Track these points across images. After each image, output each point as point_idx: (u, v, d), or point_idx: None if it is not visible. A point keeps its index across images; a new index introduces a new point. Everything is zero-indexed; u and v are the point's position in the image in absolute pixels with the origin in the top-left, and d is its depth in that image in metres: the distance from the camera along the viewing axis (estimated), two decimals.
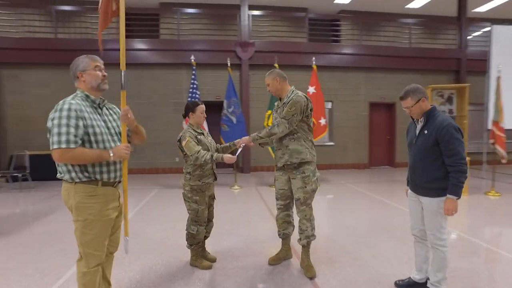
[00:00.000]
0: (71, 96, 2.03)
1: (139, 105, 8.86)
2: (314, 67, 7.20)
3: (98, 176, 2.02)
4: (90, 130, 1.98)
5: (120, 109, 2.28)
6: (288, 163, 2.83)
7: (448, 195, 2.20)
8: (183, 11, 9.83)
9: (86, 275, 2.07)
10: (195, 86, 6.85)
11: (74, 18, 10.57)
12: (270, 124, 6.77)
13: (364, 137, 10.04)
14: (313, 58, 7.29)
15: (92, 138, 1.99)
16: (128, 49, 8.73)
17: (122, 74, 2.38)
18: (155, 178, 8.50)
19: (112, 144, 2.11)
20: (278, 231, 3.09)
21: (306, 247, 2.94)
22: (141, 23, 10.29)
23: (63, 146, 1.86)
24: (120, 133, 2.19)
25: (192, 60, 6.96)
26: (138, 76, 9.05)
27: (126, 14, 8.73)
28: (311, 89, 7.11)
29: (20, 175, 6.90)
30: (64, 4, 9.77)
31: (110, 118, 2.22)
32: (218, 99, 9.07)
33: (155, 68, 9.29)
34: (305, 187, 2.83)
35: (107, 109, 2.25)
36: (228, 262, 3.14)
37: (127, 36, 9.38)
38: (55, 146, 1.86)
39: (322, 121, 7.12)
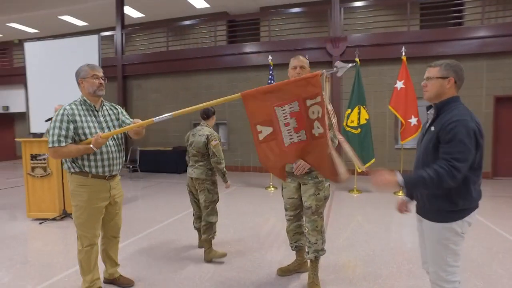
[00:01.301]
0: (71, 101, 2.40)
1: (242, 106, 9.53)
2: (404, 58, 6.22)
3: (87, 169, 2.34)
4: (80, 131, 2.31)
5: (118, 109, 2.60)
6: (307, 169, 2.50)
7: (403, 176, 1.63)
8: (284, 11, 10.04)
9: (80, 252, 2.40)
10: None
11: (184, 31, 12.10)
12: (350, 124, 6.26)
13: (486, 140, 8.05)
14: (403, 48, 6.29)
15: (83, 137, 2.31)
16: (239, 53, 9.53)
17: None
18: (242, 176, 8.91)
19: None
20: (290, 243, 2.83)
21: (314, 262, 2.60)
22: (244, 28, 11.01)
23: (55, 145, 2.23)
24: (115, 128, 2.49)
25: (270, 61, 7.00)
26: (245, 79, 9.64)
27: (230, 21, 9.51)
28: (399, 84, 6.17)
29: (131, 166, 8.35)
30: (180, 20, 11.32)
31: (108, 118, 2.51)
32: None
33: (262, 70, 9.68)
34: (318, 194, 2.50)
35: (107, 109, 2.54)
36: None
37: (232, 42, 10.20)
38: (49, 145, 2.26)
39: (413, 121, 6.09)
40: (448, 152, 1.58)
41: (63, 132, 2.24)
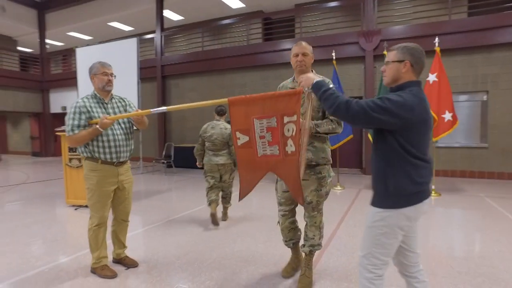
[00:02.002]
0: (84, 95, 2.68)
1: None
2: (437, 49, 5.83)
3: (97, 155, 2.60)
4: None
5: (126, 101, 2.85)
6: (314, 163, 2.38)
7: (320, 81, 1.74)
8: (318, 7, 9.95)
9: (90, 231, 2.68)
10: None
11: (220, 31, 12.43)
12: None
13: None
14: (436, 38, 5.91)
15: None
16: (271, 50, 9.64)
17: None
18: None
19: (110, 131, 2.62)
20: (285, 240, 2.68)
21: (308, 256, 2.56)
22: (279, 25, 11.05)
23: (70, 133, 2.53)
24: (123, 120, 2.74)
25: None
26: (277, 76, 9.69)
27: (266, 19, 9.66)
28: (431, 77, 5.81)
29: (165, 161, 8.82)
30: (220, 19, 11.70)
31: (116, 110, 2.76)
32: None
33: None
34: (320, 190, 2.42)
35: (116, 101, 2.79)
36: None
37: (267, 40, 10.32)
38: (66, 135, 2.55)
39: (447, 116, 5.70)
40: (371, 99, 1.56)
41: (76, 122, 2.52)
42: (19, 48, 15.95)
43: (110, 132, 2.62)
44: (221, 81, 10.62)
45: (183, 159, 9.41)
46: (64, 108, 13.73)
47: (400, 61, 1.64)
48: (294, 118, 1.97)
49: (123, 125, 2.74)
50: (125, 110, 2.81)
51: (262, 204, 5.22)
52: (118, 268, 2.79)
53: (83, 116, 2.55)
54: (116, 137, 2.65)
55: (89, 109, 2.59)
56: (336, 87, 6.44)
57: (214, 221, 3.96)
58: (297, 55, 2.42)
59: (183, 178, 8.22)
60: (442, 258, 3.04)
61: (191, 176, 8.48)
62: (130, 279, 2.65)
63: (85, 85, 9.70)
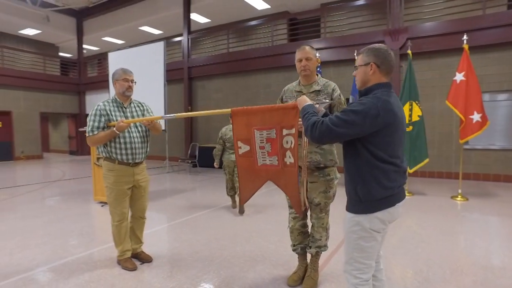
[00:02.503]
0: (105, 99, 2.87)
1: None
2: (465, 47, 5.58)
3: (114, 156, 2.78)
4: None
5: (145, 106, 3.02)
6: (322, 165, 2.40)
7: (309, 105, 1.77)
8: (343, 6, 9.81)
9: (112, 227, 2.89)
10: None
11: (246, 32, 12.56)
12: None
13: None
14: (464, 35, 5.64)
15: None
16: (295, 51, 9.66)
17: None
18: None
19: (127, 133, 2.79)
20: (294, 245, 2.64)
21: (314, 257, 2.58)
22: (304, 26, 11.01)
23: (90, 134, 2.72)
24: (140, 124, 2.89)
25: (318, 58, 6.91)
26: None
27: (291, 19, 9.74)
28: (459, 76, 5.56)
29: (190, 161, 9.08)
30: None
31: (134, 114, 2.94)
32: None
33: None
34: (328, 191, 2.45)
35: (135, 106, 2.97)
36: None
37: (293, 40, 10.35)
38: (86, 135, 2.74)
39: (476, 117, 5.43)
40: (336, 114, 1.58)
41: (96, 124, 2.71)
42: (61, 54, 17.03)
43: (127, 134, 2.79)
44: (246, 82, 10.75)
45: (208, 159, 9.59)
46: None
47: (366, 64, 1.64)
48: (293, 131, 2.03)
49: (140, 128, 2.90)
50: (143, 115, 2.97)
51: (282, 203, 5.25)
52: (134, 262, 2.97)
53: (103, 119, 2.74)
54: (133, 139, 2.82)
55: (109, 112, 2.77)
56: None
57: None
58: (300, 60, 2.46)
59: (206, 177, 8.43)
60: (457, 265, 2.94)
61: (214, 175, 8.68)
62: (144, 273, 2.80)
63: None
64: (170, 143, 10.99)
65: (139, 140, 2.87)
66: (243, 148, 2.16)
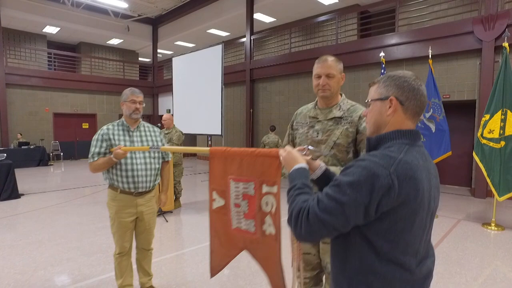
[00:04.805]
0: (112, 122, 2.66)
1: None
2: None
3: (115, 184, 2.56)
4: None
5: (157, 132, 2.76)
6: None
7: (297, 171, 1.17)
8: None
9: (114, 258, 2.67)
10: None
11: (312, 30, 11.79)
12: (488, 135, 4.67)
13: None
14: None
15: None
16: (362, 49, 8.71)
17: None
18: None
19: (129, 160, 2.55)
20: None
21: None
22: (378, 18, 9.86)
23: (90, 160, 2.54)
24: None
25: (382, 58, 5.97)
26: (368, 78, 8.79)
27: (363, 13, 8.93)
28: None
29: None
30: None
31: (143, 139, 2.69)
32: (446, 98, 7.24)
33: (388, 66, 8.66)
34: None
35: (144, 130, 2.72)
36: None
37: (364, 36, 9.42)
38: (88, 161, 2.56)
39: None
40: (326, 191, 1.00)
41: (97, 150, 2.51)
42: (140, 59, 18.49)
43: (129, 161, 2.54)
44: (308, 84, 10.06)
45: None
46: (169, 110, 15.29)
47: (383, 99, 1.05)
48: (275, 189, 1.41)
49: (145, 154, 2.63)
50: (152, 140, 2.70)
51: None
52: None
53: (104, 144, 2.53)
54: (136, 166, 2.55)
55: (112, 136, 2.55)
56: (431, 91, 5.27)
57: None
58: (319, 77, 1.87)
59: None
60: None
61: None
62: None
63: (178, 91, 10.53)
64: (231, 144, 10.93)
65: (143, 167, 2.59)
66: (218, 201, 1.62)
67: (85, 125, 14.39)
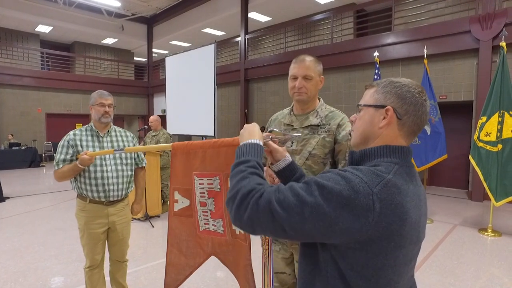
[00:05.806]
0: (80, 128, 2.50)
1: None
2: None
3: (84, 193, 2.39)
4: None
5: (129, 137, 2.58)
6: None
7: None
8: None
9: (84, 272, 2.51)
10: None
11: (307, 29, 11.62)
12: (485, 138, 4.51)
13: None
14: None
15: None
16: (357, 49, 8.54)
17: None
18: None
19: (98, 167, 2.37)
20: None
21: None
22: (374, 17, 9.71)
23: (55, 168, 2.37)
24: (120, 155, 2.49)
25: (376, 57, 5.80)
26: (363, 78, 8.66)
27: (359, 11, 8.74)
28: None
29: None
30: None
31: (115, 144, 2.52)
32: (443, 99, 7.09)
33: (383, 66, 8.50)
34: None
35: (116, 135, 2.55)
36: None
37: (360, 35, 9.27)
38: (53, 169, 2.39)
39: None
40: (291, 184, 0.83)
41: (62, 157, 2.34)
42: (136, 59, 18.29)
43: (98, 168, 2.36)
44: None
45: None
46: (164, 111, 15.10)
47: (378, 107, 0.88)
48: None
49: (117, 161, 2.45)
50: (124, 145, 2.53)
51: None
52: None
53: (70, 150, 2.35)
54: (105, 174, 2.38)
55: (78, 142, 2.38)
56: (427, 93, 5.13)
57: None
58: (295, 78, 1.67)
59: None
60: None
61: None
62: None
63: (172, 91, 10.35)
64: None
65: (114, 174, 2.42)
66: (181, 202, 1.44)
67: (79, 125, 14.19)
